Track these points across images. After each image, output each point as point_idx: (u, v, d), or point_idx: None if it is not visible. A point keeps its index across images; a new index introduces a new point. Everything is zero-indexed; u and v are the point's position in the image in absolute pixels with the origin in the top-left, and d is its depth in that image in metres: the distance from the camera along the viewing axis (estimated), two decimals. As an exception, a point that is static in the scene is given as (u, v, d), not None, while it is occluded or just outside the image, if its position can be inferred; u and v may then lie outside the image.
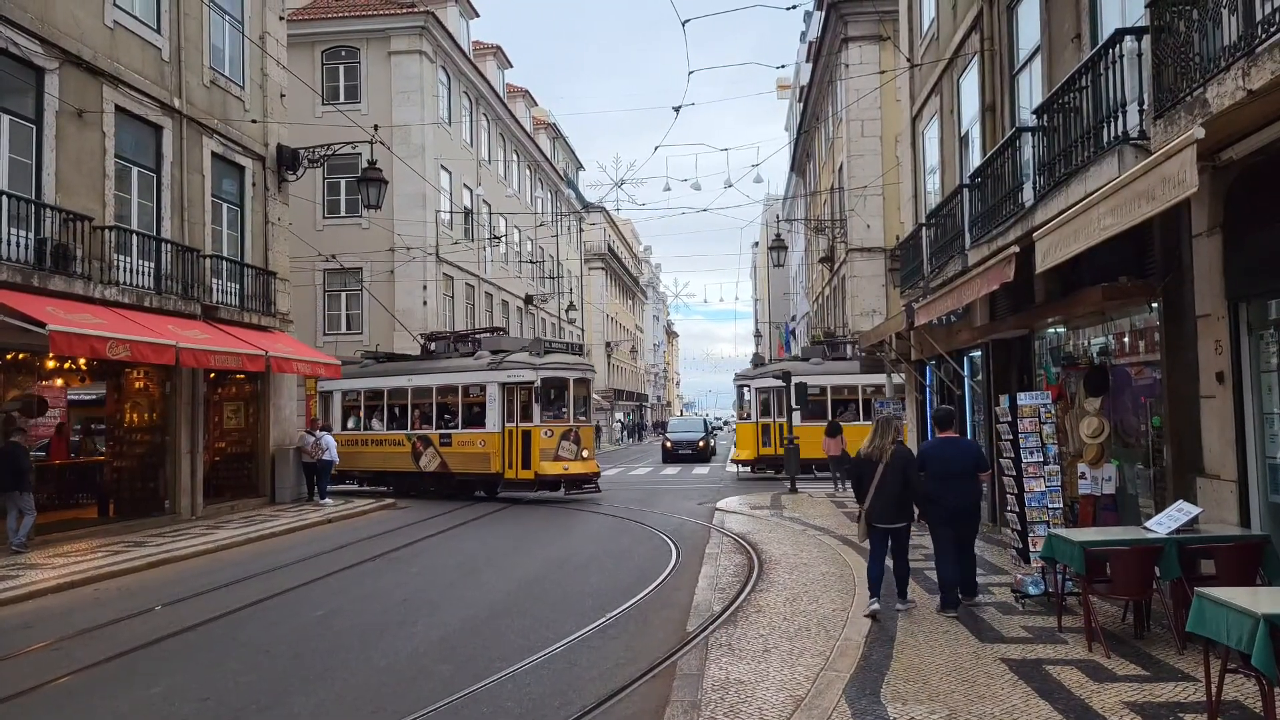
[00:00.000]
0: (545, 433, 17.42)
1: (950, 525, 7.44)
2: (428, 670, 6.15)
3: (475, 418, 18.38)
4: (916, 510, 7.62)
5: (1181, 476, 7.21)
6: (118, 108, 13.60)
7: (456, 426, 18.74)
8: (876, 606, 7.14)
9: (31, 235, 11.67)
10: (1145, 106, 6.49)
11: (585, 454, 17.75)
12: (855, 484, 7.83)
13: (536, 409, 17.54)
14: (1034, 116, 8.77)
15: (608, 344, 54.53)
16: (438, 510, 16.71)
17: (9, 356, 12.96)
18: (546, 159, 41.72)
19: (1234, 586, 4.96)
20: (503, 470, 17.75)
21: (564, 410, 17.87)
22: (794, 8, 14.88)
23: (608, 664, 6.20)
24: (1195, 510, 6.21)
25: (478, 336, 20.67)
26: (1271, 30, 4.76)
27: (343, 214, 26.39)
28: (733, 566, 9.84)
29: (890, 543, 7.44)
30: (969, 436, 12.45)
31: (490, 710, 5.30)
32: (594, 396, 19.66)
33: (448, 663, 6.31)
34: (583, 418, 18.31)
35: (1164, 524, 6.14)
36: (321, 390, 21.23)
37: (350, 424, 20.84)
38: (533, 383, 17.54)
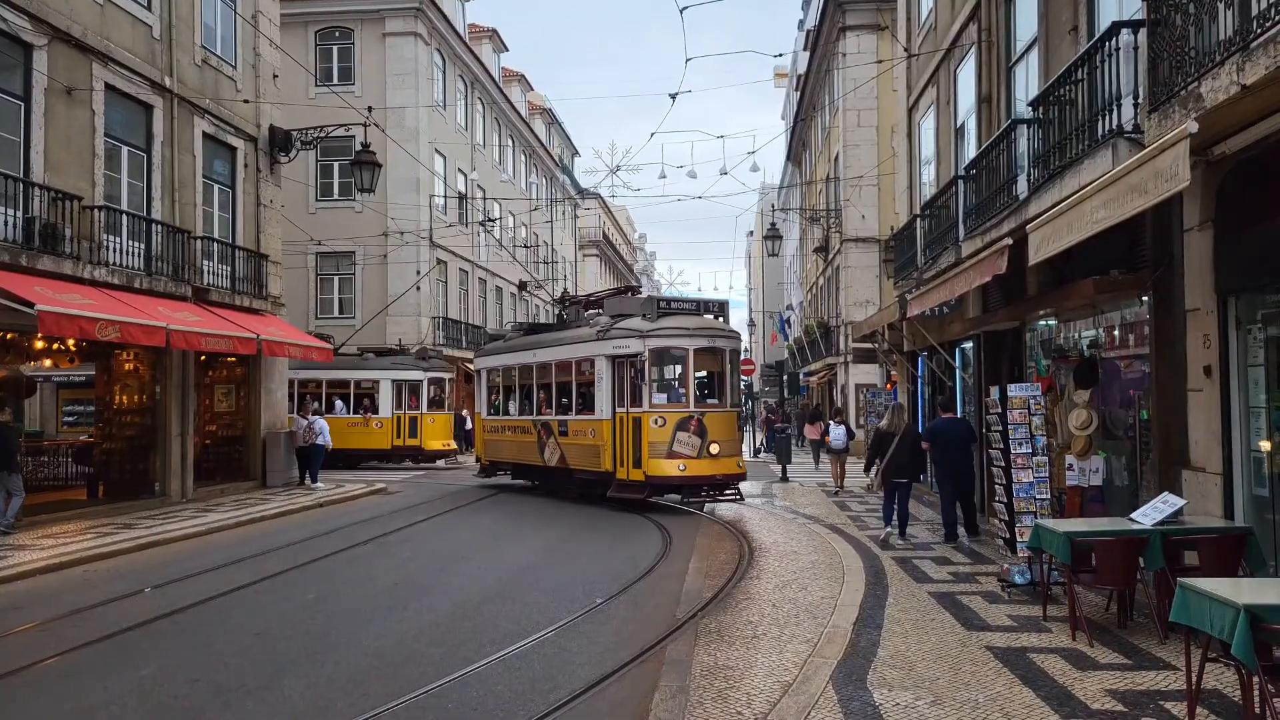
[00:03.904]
0: (655, 421, 13.40)
1: (952, 481, 10.21)
2: (419, 654, 6.17)
3: (589, 401, 14.85)
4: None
5: (1168, 469, 7.28)
6: (107, 86, 13.45)
7: (571, 411, 15.40)
8: (889, 529, 10.45)
9: (19, 214, 11.55)
10: (1140, 100, 6.50)
11: (715, 449, 13.36)
12: (877, 449, 10.94)
13: (645, 390, 13.58)
14: (1030, 109, 8.78)
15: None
16: (430, 496, 16.72)
17: (-3, 336, 12.87)
18: (542, 144, 41.51)
19: (1216, 577, 5.02)
20: (614, 468, 14.07)
21: (682, 391, 13.86)
22: (791, -7, 14.77)
23: (598, 649, 6.24)
24: (1180, 502, 6.28)
25: (604, 298, 16.85)
26: (1267, 25, 4.77)
27: (335, 197, 26.23)
28: (723, 554, 9.89)
29: (897, 492, 10.48)
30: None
31: (480, 694, 5.33)
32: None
33: (439, 646, 6.34)
34: (713, 400, 13.99)
35: (1149, 515, 6.20)
36: (475, 368, 19.84)
37: (494, 407, 18.50)
38: (639, 355, 13.61)
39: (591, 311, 16.55)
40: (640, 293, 18.66)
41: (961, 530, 10.25)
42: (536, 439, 16.27)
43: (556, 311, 18.46)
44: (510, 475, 18.11)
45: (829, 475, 17.75)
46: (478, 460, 19.33)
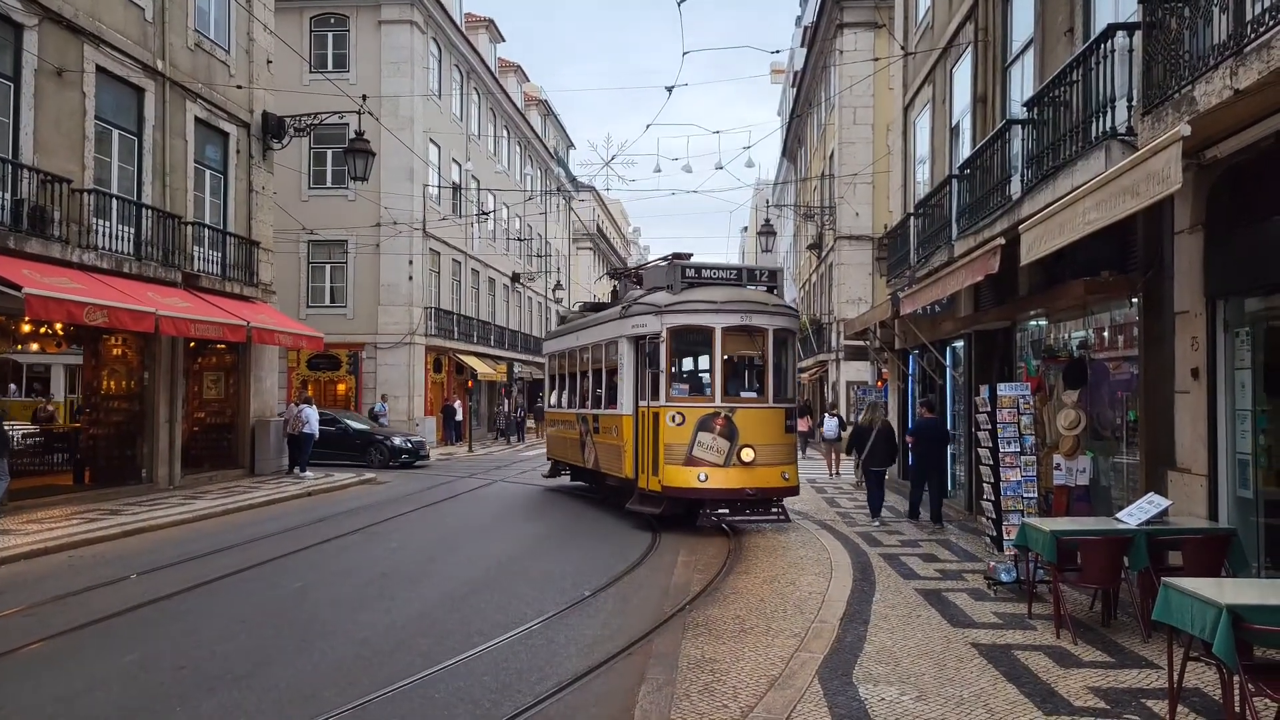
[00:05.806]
0: (672, 418, 10.74)
1: (924, 473, 11.52)
2: (406, 643, 6.17)
3: (616, 391, 12.38)
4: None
5: (1154, 470, 7.34)
6: (99, 68, 13.31)
7: (602, 404, 13.01)
8: (876, 522, 11.60)
9: (8, 196, 11.44)
10: (1134, 102, 6.53)
11: (748, 456, 10.57)
12: (857, 442, 12.65)
13: (662, 379, 10.91)
14: (1024, 109, 8.81)
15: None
16: (418, 486, 16.69)
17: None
18: (537, 136, 41.36)
19: (1200, 577, 5.07)
20: (635, 474, 11.54)
21: (708, 381, 11.16)
22: (790, -10, 14.70)
23: (585, 641, 6.25)
24: (1165, 503, 6.34)
25: (648, 269, 13.93)
26: (1261, 30, 4.80)
27: (328, 185, 26.08)
28: (711, 549, 9.92)
29: (872, 479, 11.89)
30: (949, 423, 13.15)
31: (468, 684, 5.33)
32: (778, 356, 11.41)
33: (426, 636, 6.34)
34: (752, 394, 11.18)
35: (1135, 515, 6.26)
36: (545, 353, 18.59)
37: (553, 397, 16.72)
38: (657, 335, 10.99)
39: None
40: (688, 260, 13.51)
41: (925, 515, 11.62)
42: (579, 435, 14.00)
43: (613, 289, 15.98)
44: (569, 475, 16.06)
45: (816, 468, 18.11)
46: (549, 458, 17.39)
